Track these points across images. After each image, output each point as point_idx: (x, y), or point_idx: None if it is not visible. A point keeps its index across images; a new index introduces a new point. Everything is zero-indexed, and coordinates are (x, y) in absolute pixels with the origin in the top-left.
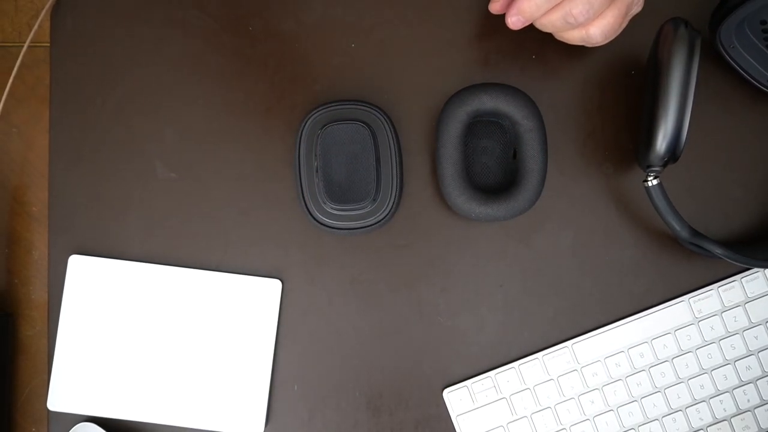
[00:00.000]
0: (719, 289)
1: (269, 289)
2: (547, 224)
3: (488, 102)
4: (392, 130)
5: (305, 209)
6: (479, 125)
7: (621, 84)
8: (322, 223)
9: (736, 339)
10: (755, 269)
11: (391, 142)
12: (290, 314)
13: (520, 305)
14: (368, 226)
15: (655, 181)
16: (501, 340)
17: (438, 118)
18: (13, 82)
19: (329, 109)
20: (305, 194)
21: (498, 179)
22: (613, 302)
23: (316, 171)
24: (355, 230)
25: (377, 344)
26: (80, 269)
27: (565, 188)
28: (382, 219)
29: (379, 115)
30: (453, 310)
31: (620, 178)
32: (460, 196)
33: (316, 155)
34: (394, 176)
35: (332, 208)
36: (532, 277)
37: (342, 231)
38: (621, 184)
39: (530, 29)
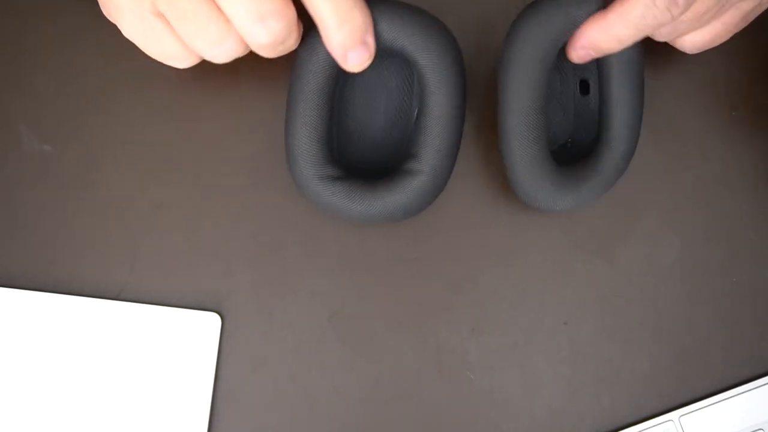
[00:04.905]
0: None
1: (201, 328)
2: (637, 227)
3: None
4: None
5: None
6: None
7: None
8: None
9: None
10: None
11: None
12: (234, 367)
13: (595, 355)
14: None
15: None
16: (566, 408)
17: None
18: None
19: None
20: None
21: (560, 131)
22: (744, 351)
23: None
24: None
25: (371, 414)
26: None
27: (665, 169)
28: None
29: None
30: (490, 360)
31: (757, 153)
32: (536, 181)
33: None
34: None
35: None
36: (614, 312)
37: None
38: (759, 161)
39: None
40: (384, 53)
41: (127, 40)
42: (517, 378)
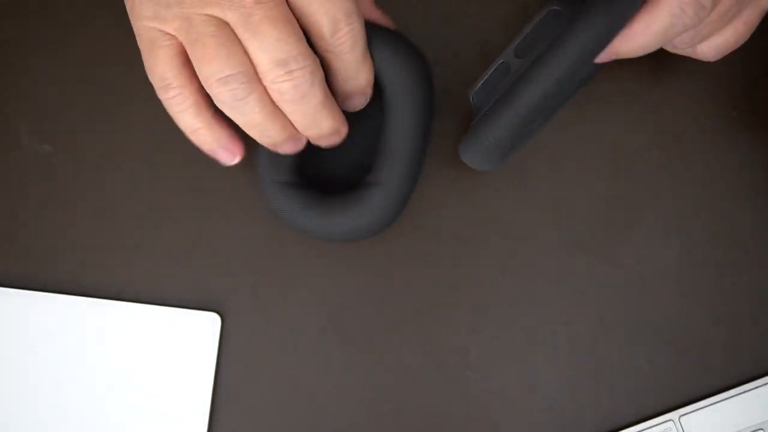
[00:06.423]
0: None
1: (201, 328)
2: (638, 228)
3: None
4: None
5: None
6: None
7: None
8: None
9: None
10: None
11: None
12: (234, 367)
13: (595, 354)
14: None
15: None
16: (566, 408)
17: None
18: None
19: None
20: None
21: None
22: (744, 351)
23: None
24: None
25: (370, 415)
26: None
27: (665, 169)
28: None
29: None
30: (490, 361)
31: (757, 153)
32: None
33: None
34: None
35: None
36: (615, 312)
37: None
38: (760, 161)
39: None
40: None
41: (126, 42)
42: (517, 378)
